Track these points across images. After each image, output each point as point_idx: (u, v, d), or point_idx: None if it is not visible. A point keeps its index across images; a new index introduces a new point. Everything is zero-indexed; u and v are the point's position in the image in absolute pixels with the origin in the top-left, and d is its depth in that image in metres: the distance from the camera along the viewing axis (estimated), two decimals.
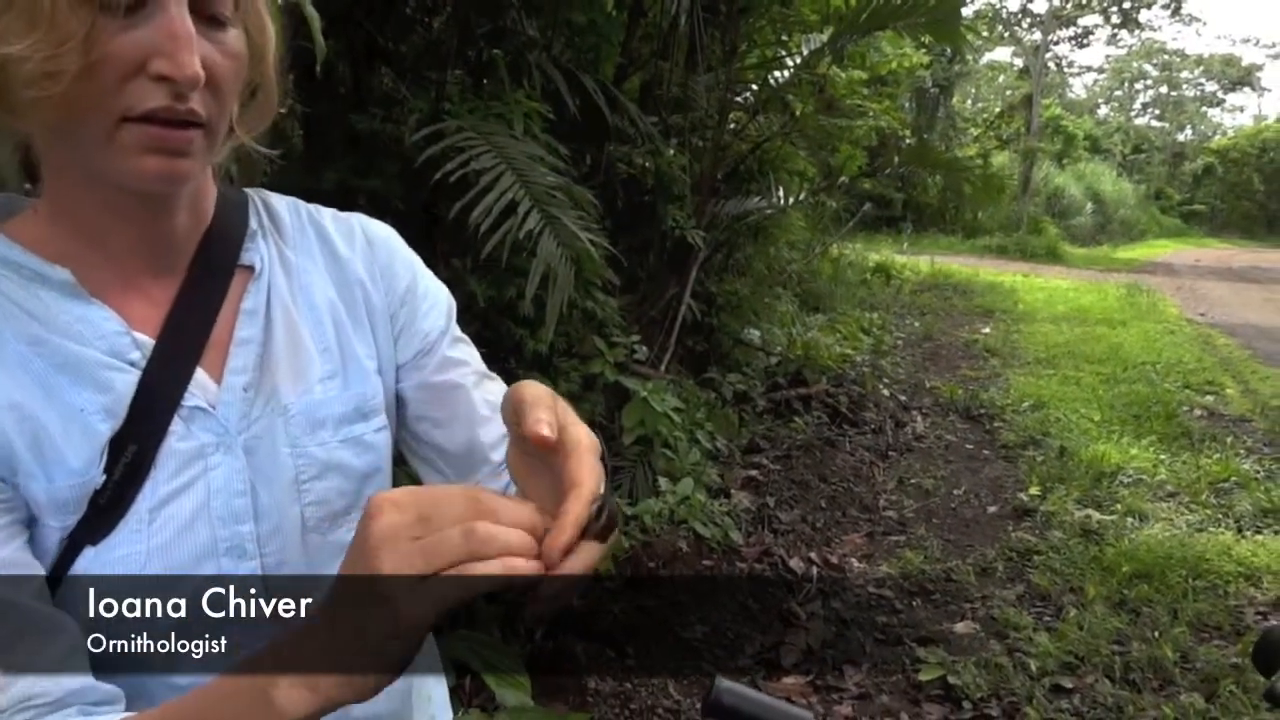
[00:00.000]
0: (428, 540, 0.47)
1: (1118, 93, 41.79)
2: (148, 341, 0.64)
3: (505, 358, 3.29)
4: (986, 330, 8.74)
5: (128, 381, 0.62)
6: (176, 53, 0.55)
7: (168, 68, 0.55)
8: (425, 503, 0.48)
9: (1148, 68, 39.68)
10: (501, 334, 3.22)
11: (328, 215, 0.79)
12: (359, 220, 0.80)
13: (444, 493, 0.50)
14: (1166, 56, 38.79)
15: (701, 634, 2.90)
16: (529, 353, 3.24)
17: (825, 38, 4.80)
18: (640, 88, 4.41)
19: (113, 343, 0.63)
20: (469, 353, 0.80)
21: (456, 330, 0.81)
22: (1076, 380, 6.65)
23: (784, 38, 5.15)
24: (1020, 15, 23.95)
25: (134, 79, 0.56)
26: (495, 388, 0.80)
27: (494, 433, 0.77)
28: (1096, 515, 4.07)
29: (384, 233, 0.80)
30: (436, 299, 0.80)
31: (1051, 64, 26.90)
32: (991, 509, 4.22)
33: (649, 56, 4.37)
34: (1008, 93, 29.35)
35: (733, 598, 3.15)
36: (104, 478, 0.60)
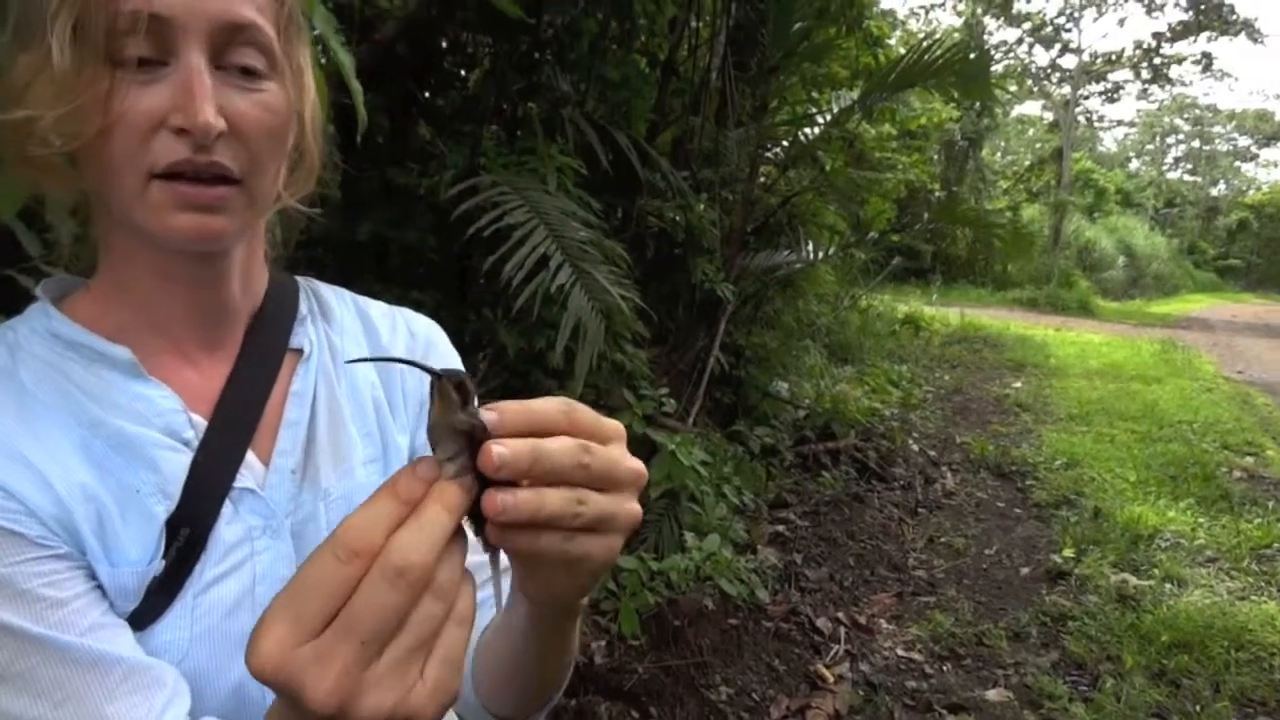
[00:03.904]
0: (384, 667, 0.39)
1: (1149, 147, 41.70)
2: (201, 422, 0.64)
3: None
4: (1018, 385, 8.63)
5: (181, 462, 0.62)
6: (188, 102, 0.55)
7: (181, 119, 0.55)
8: (319, 611, 0.38)
9: (1179, 123, 39.60)
10: (531, 385, 3.23)
11: (373, 305, 0.80)
12: (403, 313, 0.81)
13: (324, 581, 0.39)
14: (1199, 111, 38.72)
15: (727, 695, 2.84)
16: None
17: (855, 95, 4.85)
18: (672, 142, 4.47)
19: (169, 421, 0.63)
20: None
21: None
22: (1111, 438, 6.53)
23: (814, 94, 5.21)
24: (1049, 70, 24.05)
25: (156, 135, 0.56)
26: None
27: None
28: (1133, 580, 3.96)
29: (426, 326, 0.81)
30: None
31: (1082, 118, 26.93)
32: (1024, 570, 4.12)
33: (681, 112, 4.44)
34: (1038, 146, 29.39)
35: (759, 658, 3.10)
36: (163, 564, 0.60)
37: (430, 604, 0.40)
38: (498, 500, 0.42)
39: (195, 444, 0.63)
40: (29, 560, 0.54)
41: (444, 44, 3.61)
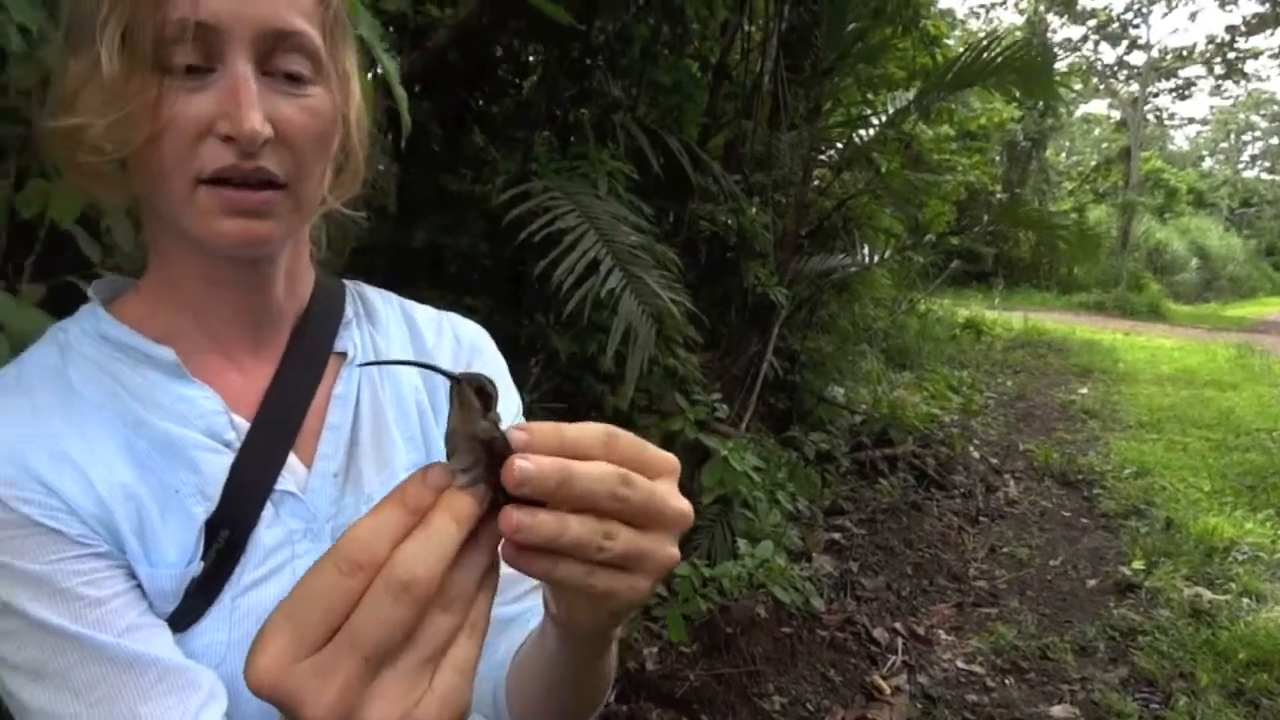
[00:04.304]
0: (388, 682, 0.37)
1: (1224, 145, 40.20)
2: (243, 424, 0.64)
3: (586, 413, 3.31)
4: (1084, 391, 8.38)
5: (221, 464, 0.62)
6: (235, 110, 0.55)
7: (228, 126, 0.55)
8: (320, 625, 0.37)
9: (1256, 119, 38.10)
10: (583, 389, 3.23)
11: (419, 310, 0.80)
12: (449, 317, 0.80)
13: (326, 593, 0.37)
14: (1277, 107, 37.23)
15: (780, 705, 2.80)
16: (609, 409, 3.25)
17: (911, 95, 4.77)
18: (724, 146, 4.45)
19: (210, 423, 0.63)
20: None
21: None
22: (1183, 446, 6.29)
23: (870, 96, 5.14)
24: (1116, 68, 23.40)
25: (204, 141, 0.56)
26: None
27: None
28: (1208, 594, 3.79)
29: (472, 331, 0.80)
30: (506, 405, 0.78)
31: (1151, 116, 26.12)
32: (1091, 582, 3.98)
33: (733, 115, 4.41)
34: (1104, 146, 28.56)
35: (813, 668, 3.04)
36: (202, 566, 0.60)
37: (439, 616, 0.38)
38: (513, 518, 0.39)
39: (236, 445, 0.63)
40: (69, 558, 0.55)
41: (499, 52, 3.65)
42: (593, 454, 0.42)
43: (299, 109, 0.59)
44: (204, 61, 0.56)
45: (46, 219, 1.29)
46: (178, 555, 0.59)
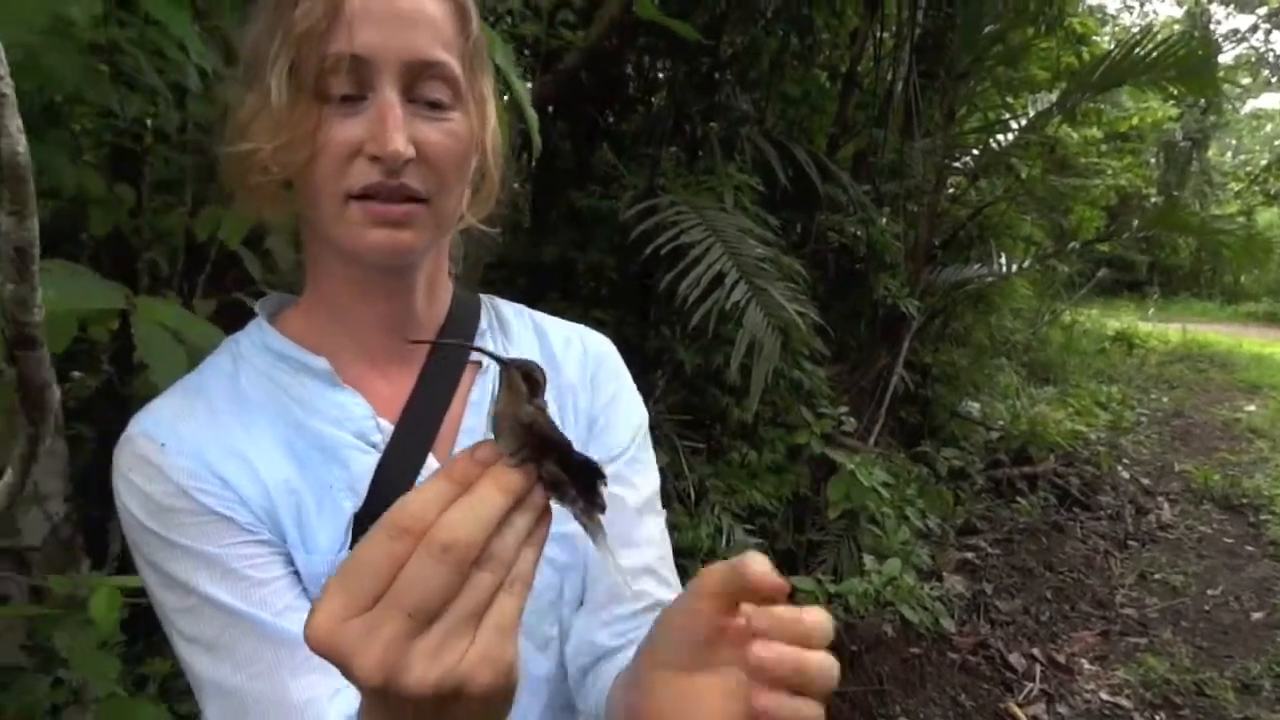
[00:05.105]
0: (432, 639, 0.40)
1: None
2: (388, 426, 0.71)
3: (711, 425, 3.33)
4: (1251, 408, 7.74)
5: (368, 463, 0.69)
6: (381, 133, 0.62)
7: (374, 147, 0.62)
8: (370, 587, 0.40)
9: None
10: (708, 401, 3.26)
11: (550, 322, 0.85)
12: (579, 330, 0.85)
13: (376, 557, 0.40)
14: None
15: None
16: (734, 421, 3.26)
17: (1054, 97, 4.57)
18: (853, 156, 4.39)
19: (360, 425, 0.70)
20: (644, 478, 0.80)
21: (641, 453, 0.81)
22: None
23: (1008, 99, 4.95)
24: None
25: (354, 161, 0.63)
26: (655, 521, 0.80)
27: (636, 559, 0.76)
28: None
29: (600, 344, 0.85)
30: (629, 417, 0.82)
31: None
32: (1256, 615, 3.68)
33: (863, 124, 4.35)
34: (1277, 143, 26.29)
35: (943, 691, 2.95)
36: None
37: (481, 577, 0.40)
38: (765, 703, 0.45)
39: (382, 447, 0.70)
40: (239, 544, 0.63)
41: (628, 70, 3.74)
42: (818, 643, 0.47)
43: (440, 132, 0.65)
44: (357, 90, 0.63)
45: (216, 242, 1.44)
46: (329, 543, 0.66)
